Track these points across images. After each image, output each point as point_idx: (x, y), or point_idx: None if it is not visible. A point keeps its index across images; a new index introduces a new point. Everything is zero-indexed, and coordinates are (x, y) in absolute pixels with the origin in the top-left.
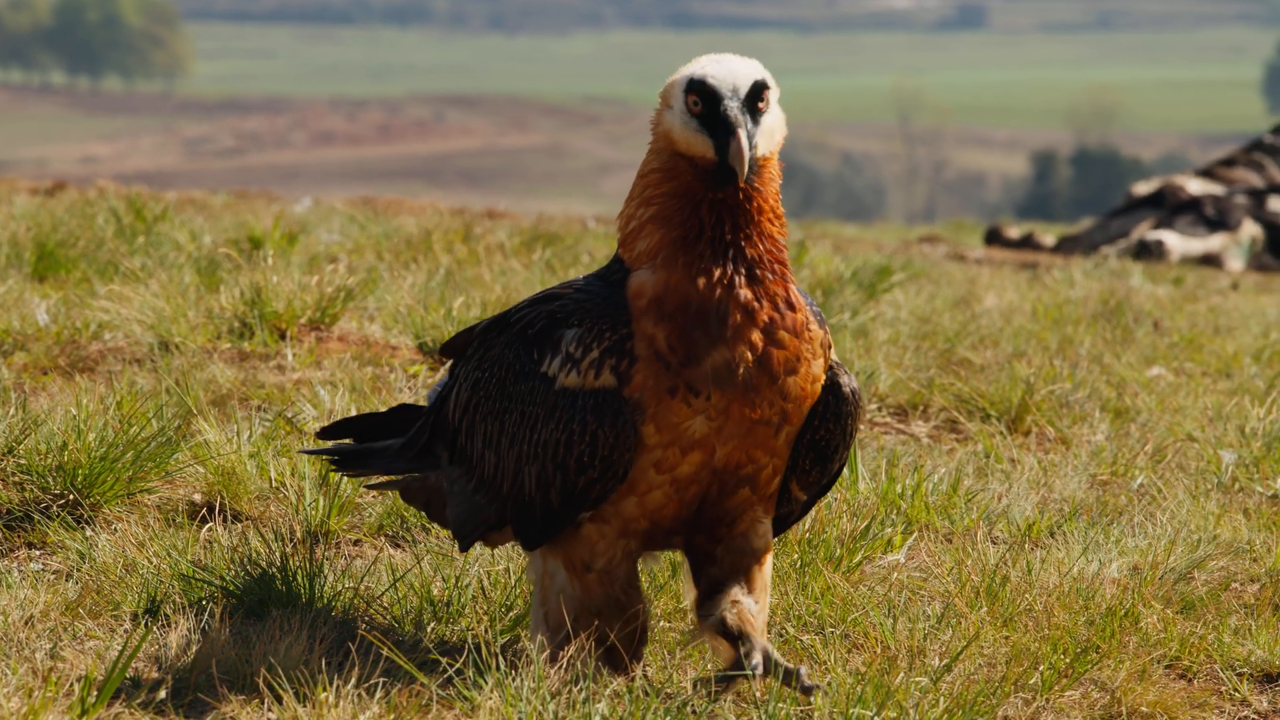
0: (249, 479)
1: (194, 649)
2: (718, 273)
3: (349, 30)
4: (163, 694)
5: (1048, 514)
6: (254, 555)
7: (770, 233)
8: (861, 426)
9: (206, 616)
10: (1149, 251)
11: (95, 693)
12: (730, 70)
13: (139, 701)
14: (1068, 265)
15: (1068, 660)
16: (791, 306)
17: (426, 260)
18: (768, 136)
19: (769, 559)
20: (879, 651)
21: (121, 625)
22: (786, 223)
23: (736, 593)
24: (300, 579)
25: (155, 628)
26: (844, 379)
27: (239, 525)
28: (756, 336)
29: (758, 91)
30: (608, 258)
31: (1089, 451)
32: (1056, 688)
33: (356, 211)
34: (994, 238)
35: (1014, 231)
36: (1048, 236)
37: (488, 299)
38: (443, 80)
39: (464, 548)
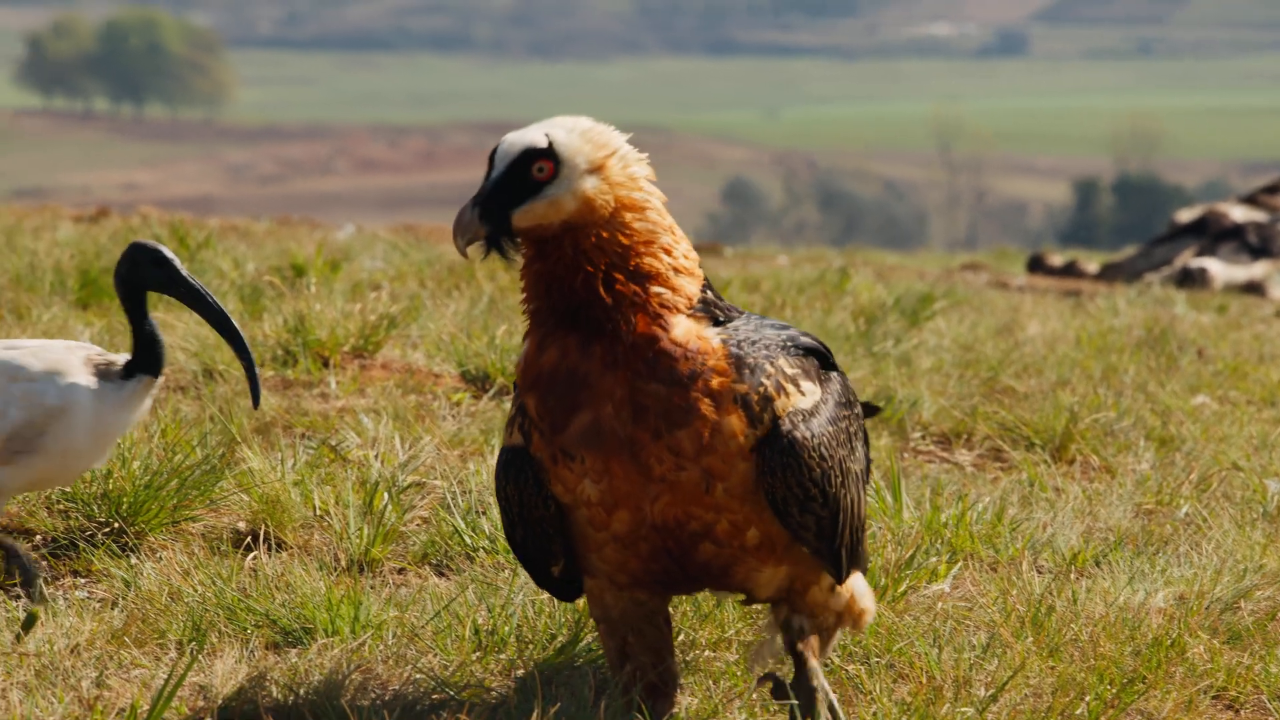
0: (293, 507)
1: (239, 678)
2: (565, 339)
3: (390, 57)
4: None
5: (1093, 543)
6: (298, 584)
7: (645, 270)
8: (905, 455)
9: (251, 645)
10: (1192, 279)
11: None
12: (515, 137)
13: None
14: (1111, 293)
15: (1114, 691)
16: (670, 356)
17: (469, 288)
18: (543, 204)
19: (820, 582)
20: (924, 681)
21: (167, 654)
22: (688, 256)
23: (784, 612)
24: (345, 608)
25: (200, 656)
26: (787, 427)
27: (283, 553)
28: (619, 394)
29: (527, 159)
30: None
31: (1134, 480)
32: (1103, 718)
33: (399, 239)
34: (1036, 265)
35: (1057, 259)
36: (1091, 264)
37: None
38: (484, 107)
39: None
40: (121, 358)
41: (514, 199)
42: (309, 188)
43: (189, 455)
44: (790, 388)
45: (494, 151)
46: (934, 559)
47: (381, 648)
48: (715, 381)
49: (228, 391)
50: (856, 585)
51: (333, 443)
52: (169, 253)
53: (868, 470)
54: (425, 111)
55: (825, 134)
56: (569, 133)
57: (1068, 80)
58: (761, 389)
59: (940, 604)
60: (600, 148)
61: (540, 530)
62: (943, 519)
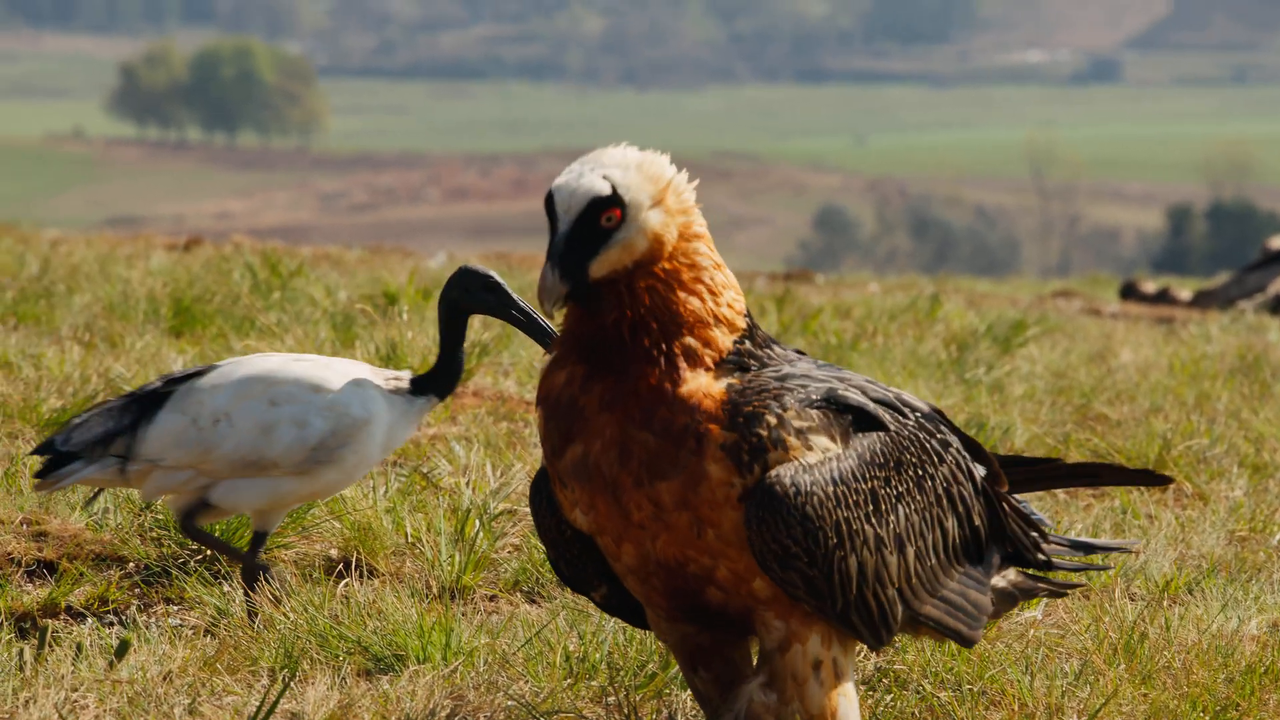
0: (385, 534)
1: (331, 705)
2: (575, 366)
3: (482, 86)
4: None
5: (1186, 570)
6: (390, 611)
7: (684, 316)
8: None
9: (343, 673)
10: None
11: None
12: (574, 185)
13: None
14: (1204, 320)
15: (1208, 718)
16: (669, 409)
17: (561, 315)
18: (616, 252)
19: (806, 644)
20: (1017, 709)
21: (259, 681)
22: (731, 305)
23: (755, 685)
24: (436, 635)
25: (292, 684)
26: (770, 480)
27: (375, 581)
28: (609, 434)
29: (594, 210)
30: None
31: (1227, 507)
32: None
33: (491, 266)
34: (1129, 292)
35: (1149, 286)
36: (1183, 291)
37: None
38: (576, 135)
39: None
40: (405, 375)
41: (587, 250)
42: (401, 216)
43: None
44: (794, 441)
45: (550, 200)
46: None
47: (473, 675)
48: (704, 428)
49: None
50: (844, 709)
51: (424, 470)
52: (499, 277)
53: (974, 541)
54: (517, 139)
55: (917, 161)
56: (625, 171)
57: (1160, 107)
58: (755, 439)
59: (1032, 631)
60: (657, 180)
61: (564, 553)
62: None
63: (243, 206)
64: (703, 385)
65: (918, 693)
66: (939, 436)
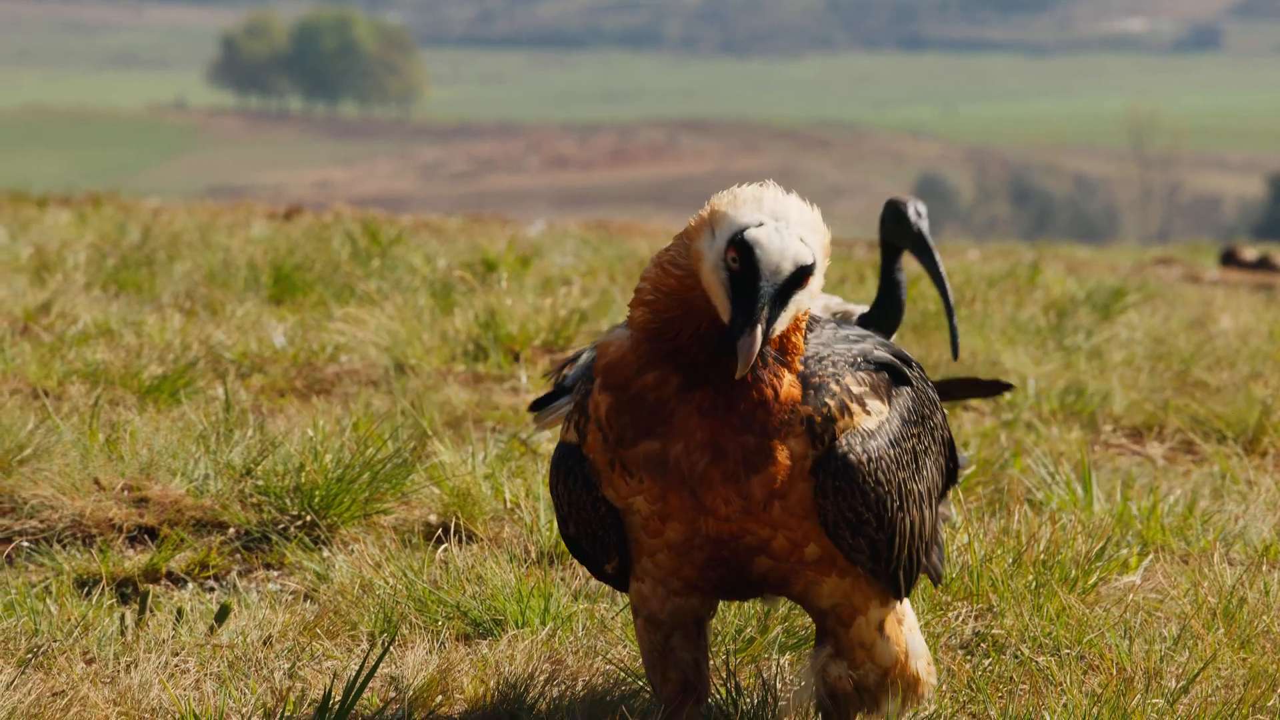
0: (484, 500)
1: (430, 669)
2: (670, 374)
3: (581, 55)
4: (400, 714)
5: None
6: (489, 576)
7: (791, 344)
8: (1096, 447)
9: (442, 637)
10: None
11: (334, 713)
12: (781, 246)
13: None
14: None
15: None
16: (768, 412)
17: None
18: (793, 311)
19: (869, 613)
20: (1115, 673)
21: (358, 645)
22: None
23: (824, 658)
24: (535, 600)
25: (391, 648)
26: (843, 449)
27: (474, 546)
28: (699, 437)
29: (799, 277)
30: (839, 281)
31: None
32: None
33: (589, 234)
34: (1229, 259)
35: (1250, 253)
36: None
37: None
38: (674, 104)
39: None
40: (859, 308)
41: (775, 310)
42: (500, 185)
43: (380, 449)
44: (855, 407)
45: (750, 257)
46: (1124, 551)
47: (571, 639)
48: (793, 412)
49: (419, 386)
50: (913, 644)
51: (523, 436)
52: (911, 209)
53: (947, 479)
54: (615, 108)
55: (1016, 130)
56: (814, 233)
57: (1262, 75)
58: (825, 409)
59: (1131, 596)
60: (824, 233)
61: (591, 530)
62: (1133, 511)
63: (343, 176)
64: (793, 383)
65: (1015, 657)
66: (929, 380)
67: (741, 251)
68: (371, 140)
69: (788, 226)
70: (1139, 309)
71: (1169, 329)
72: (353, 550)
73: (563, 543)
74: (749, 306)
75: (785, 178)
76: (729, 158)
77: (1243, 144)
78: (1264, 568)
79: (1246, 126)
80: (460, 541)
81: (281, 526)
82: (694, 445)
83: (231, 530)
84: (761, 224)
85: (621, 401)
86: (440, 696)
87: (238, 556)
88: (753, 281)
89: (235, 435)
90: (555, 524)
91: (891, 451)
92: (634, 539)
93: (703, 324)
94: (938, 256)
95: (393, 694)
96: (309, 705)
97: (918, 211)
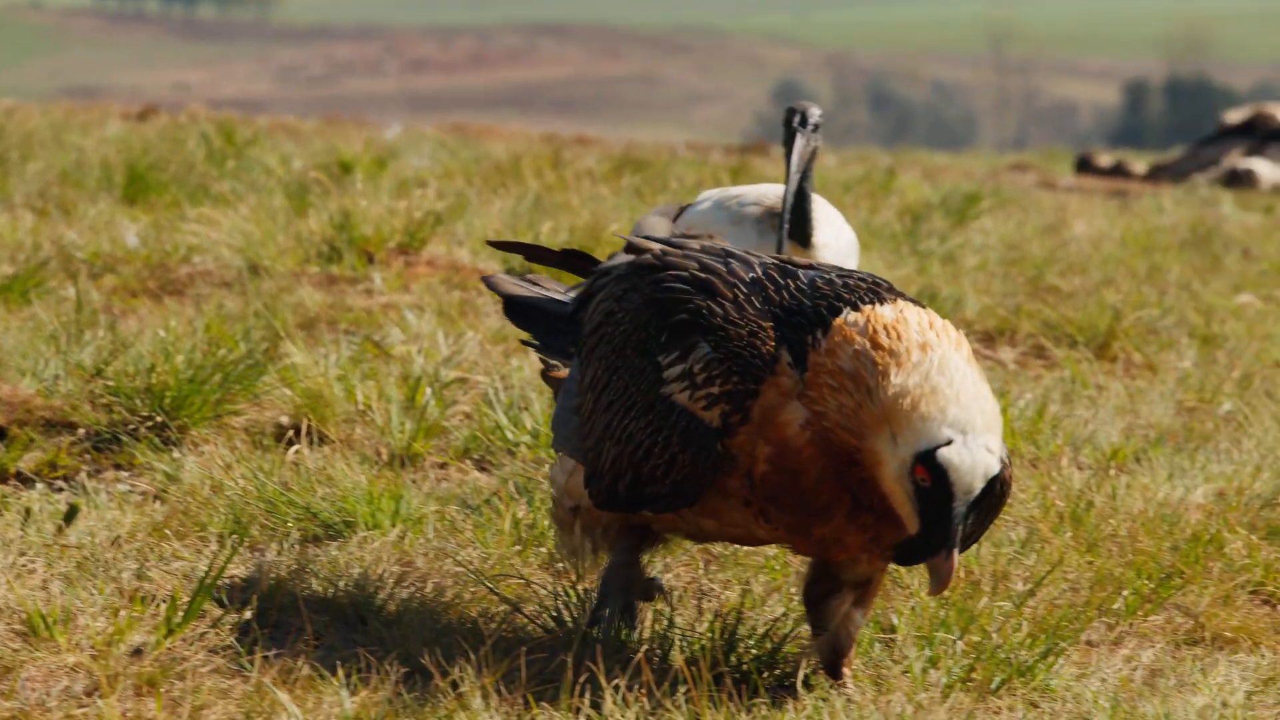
0: (336, 402)
1: (280, 571)
2: (844, 500)
3: None
4: (248, 614)
5: (1133, 440)
6: (339, 478)
7: None
8: None
9: (292, 539)
10: (1240, 180)
11: (181, 613)
12: (972, 465)
13: (224, 621)
14: (1158, 193)
15: (1151, 585)
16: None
17: (515, 186)
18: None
19: (875, 580)
20: (963, 576)
21: (208, 546)
22: None
23: (848, 608)
24: (385, 502)
25: (241, 549)
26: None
27: (325, 448)
28: (856, 537)
29: (990, 488)
30: (696, 185)
31: (1176, 378)
32: (1140, 613)
33: (446, 137)
34: (1084, 166)
35: (1105, 160)
36: (1138, 165)
37: (576, 224)
38: (535, 9)
39: (553, 445)
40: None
41: (967, 523)
42: (358, 88)
43: (232, 350)
44: None
45: (939, 480)
46: None
47: (422, 541)
48: None
49: (272, 287)
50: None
51: (376, 338)
52: (807, 112)
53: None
54: (475, 12)
55: (876, 36)
56: (996, 431)
57: None
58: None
59: None
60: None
61: (687, 499)
62: None
63: (200, 78)
64: None
65: None
66: None
67: (934, 474)
68: (229, 42)
69: (975, 437)
70: (993, 215)
71: (1023, 235)
72: (203, 451)
73: (413, 445)
74: (944, 529)
75: (646, 83)
76: (590, 63)
77: (1100, 51)
78: (1112, 472)
79: (1104, 33)
80: (312, 443)
81: (132, 427)
82: (845, 533)
83: (81, 431)
84: (951, 441)
85: (783, 484)
86: (289, 597)
87: (87, 457)
88: (946, 503)
89: (86, 336)
90: (407, 426)
91: None
92: (713, 508)
93: (878, 493)
94: (793, 161)
95: (242, 595)
96: (157, 605)
97: (802, 118)
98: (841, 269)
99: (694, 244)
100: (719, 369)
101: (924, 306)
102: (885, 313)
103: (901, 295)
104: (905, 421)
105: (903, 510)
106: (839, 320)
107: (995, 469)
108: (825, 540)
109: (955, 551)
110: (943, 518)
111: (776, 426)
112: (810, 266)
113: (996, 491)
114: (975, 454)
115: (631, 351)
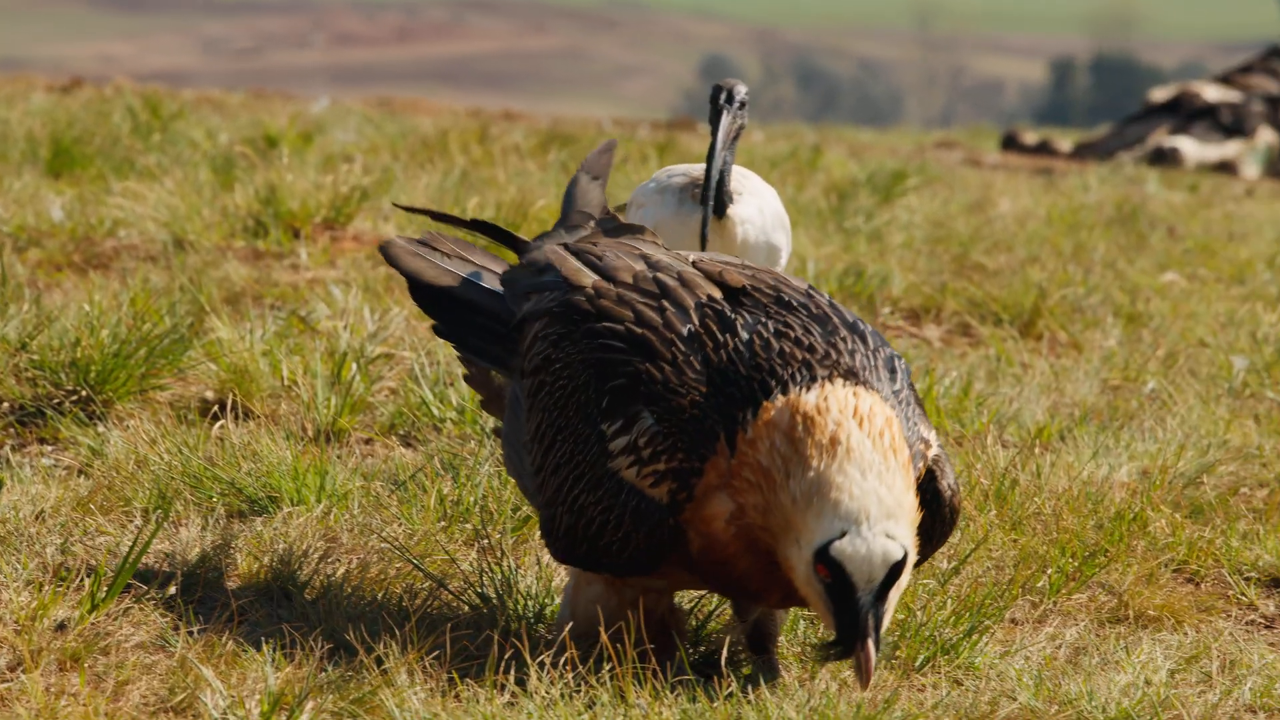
0: (261, 377)
1: (204, 546)
2: (772, 572)
3: None
4: (172, 589)
5: (1058, 418)
6: (265, 453)
7: None
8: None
9: (217, 514)
10: (1165, 158)
11: (105, 588)
12: (868, 554)
13: (149, 597)
14: (1083, 171)
15: (1076, 563)
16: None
17: (442, 160)
18: (896, 598)
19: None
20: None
21: (132, 521)
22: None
23: (760, 614)
24: (311, 477)
25: (166, 524)
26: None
27: (250, 423)
28: (779, 593)
29: (894, 574)
30: (623, 160)
31: (1101, 356)
32: (1064, 590)
33: (373, 112)
34: (1010, 143)
35: (1030, 137)
36: (1064, 142)
37: (502, 199)
38: None
39: (508, 471)
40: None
41: (880, 610)
42: (285, 61)
43: (158, 324)
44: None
45: (837, 575)
46: None
47: (347, 517)
48: None
49: (198, 262)
50: None
51: (302, 313)
52: (734, 91)
53: None
54: None
55: (802, 12)
56: (900, 519)
57: None
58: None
59: None
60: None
61: (643, 569)
62: None
63: (125, 50)
64: None
65: None
66: None
67: (831, 569)
68: (155, 14)
69: (870, 525)
70: (919, 192)
71: (948, 212)
72: (128, 426)
73: (339, 420)
74: (853, 622)
75: (573, 57)
76: (517, 37)
77: (1026, 28)
78: (1036, 450)
79: (1029, 11)
80: (237, 418)
81: (56, 401)
82: (788, 604)
83: (5, 405)
84: (844, 533)
85: (715, 571)
86: (214, 573)
87: (11, 431)
88: (849, 595)
89: (10, 309)
90: (332, 401)
91: None
92: (663, 572)
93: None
94: (718, 138)
95: (166, 569)
96: (81, 580)
97: (729, 96)
98: (781, 316)
99: (621, 261)
100: (664, 444)
101: (859, 381)
102: (808, 400)
103: (835, 366)
104: (803, 522)
105: (819, 611)
106: (766, 403)
107: (897, 555)
108: (772, 605)
109: (871, 641)
110: (850, 610)
111: (704, 520)
112: (744, 301)
113: (900, 574)
114: (871, 542)
115: (574, 414)
